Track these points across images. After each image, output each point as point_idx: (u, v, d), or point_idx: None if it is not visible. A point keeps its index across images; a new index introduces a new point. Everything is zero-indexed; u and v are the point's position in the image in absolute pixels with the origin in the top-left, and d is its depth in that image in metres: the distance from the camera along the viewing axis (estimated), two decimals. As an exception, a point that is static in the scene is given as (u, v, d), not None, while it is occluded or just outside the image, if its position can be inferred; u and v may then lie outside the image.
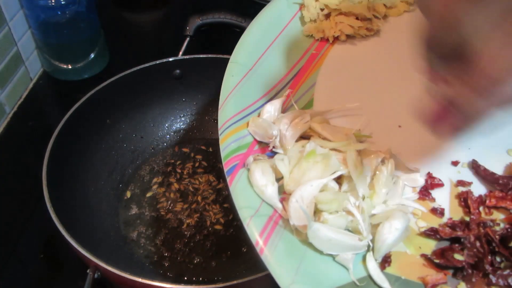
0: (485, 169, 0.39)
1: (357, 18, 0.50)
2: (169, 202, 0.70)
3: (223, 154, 0.38)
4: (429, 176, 0.39)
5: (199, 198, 0.70)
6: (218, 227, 0.67)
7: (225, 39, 0.92)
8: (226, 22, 0.84)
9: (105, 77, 0.72)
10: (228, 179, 0.36)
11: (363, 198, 0.35)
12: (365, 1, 0.50)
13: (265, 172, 0.36)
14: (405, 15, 0.52)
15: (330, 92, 0.45)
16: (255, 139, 0.40)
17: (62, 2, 0.77)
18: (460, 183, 0.39)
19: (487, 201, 0.37)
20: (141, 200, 0.70)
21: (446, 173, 0.40)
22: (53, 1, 0.76)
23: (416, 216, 0.37)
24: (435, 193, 0.39)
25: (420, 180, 0.38)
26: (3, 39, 0.77)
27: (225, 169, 0.37)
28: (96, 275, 0.53)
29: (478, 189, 0.39)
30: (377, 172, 0.36)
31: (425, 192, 0.38)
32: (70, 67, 0.86)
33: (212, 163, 0.75)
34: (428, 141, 0.40)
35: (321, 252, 0.34)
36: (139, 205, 0.69)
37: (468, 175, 0.40)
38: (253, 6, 1.06)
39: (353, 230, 0.35)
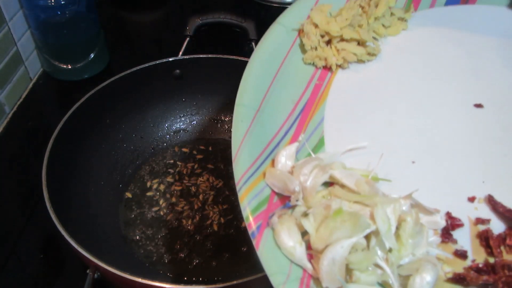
0: (502, 206, 0.39)
1: (358, 43, 0.49)
2: (169, 202, 0.70)
3: (245, 214, 0.36)
4: (449, 216, 0.39)
5: (199, 198, 0.70)
6: (218, 227, 0.67)
7: (225, 39, 0.93)
8: (226, 22, 0.84)
9: (105, 77, 0.72)
10: (254, 242, 0.35)
11: (390, 250, 0.35)
12: (365, 25, 0.49)
13: (291, 231, 0.36)
14: (402, 33, 0.52)
15: (339, 127, 0.45)
16: (273, 190, 0.39)
17: (62, 2, 0.77)
18: (479, 221, 0.39)
19: (508, 240, 0.37)
20: (141, 200, 0.70)
21: (463, 211, 0.39)
22: (53, 1, 0.76)
23: (441, 261, 0.37)
24: (456, 233, 0.38)
25: (441, 222, 0.38)
26: (3, 39, 0.77)
27: (250, 231, 0.36)
28: (96, 275, 0.53)
29: (497, 225, 0.38)
30: (403, 223, 0.36)
31: (446, 235, 0.38)
32: (70, 67, 0.86)
33: (212, 163, 0.75)
34: (442, 176, 0.41)
35: None
36: (139, 205, 0.69)
37: (485, 211, 0.39)
38: (253, 6, 1.06)
39: (384, 284, 0.35)
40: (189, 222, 0.67)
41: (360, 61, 0.49)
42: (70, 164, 0.65)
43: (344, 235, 0.34)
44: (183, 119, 0.80)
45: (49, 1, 0.76)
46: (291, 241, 0.35)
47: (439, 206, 0.39)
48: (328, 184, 0.39)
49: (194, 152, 0.77)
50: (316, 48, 0.48)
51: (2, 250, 0.64)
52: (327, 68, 0.48)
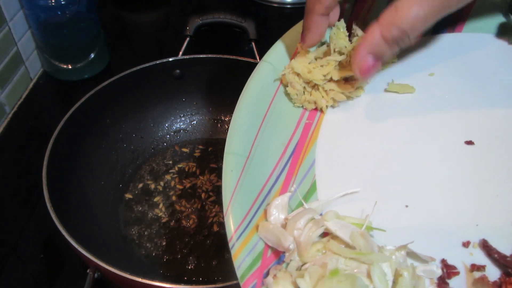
0: (497, 252, 0.38)
1: (345, 79, 0.47)
2: (169, 202, 0.70)
3: (239, 273, 0.36)
4: (444, 264, 0.38)
5: (199, 198, 0.70)
6: (218, 227, 0.67)
7: (225, 39, 0.93)
8: (226, 22, 0.84)
9: (105, 77, 0.72)
10: None
11: None
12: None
13: None
14: (391, 66, 0.50)
15: (331, 170, 0.43)
16: (266, 244, 0.38)
17: (62, 2, 0.77)
18: (474, 267, 0.38)
19: (503, 287, 0.37)
20: (141, 200, 0.70)
21: (458, 256, 0.38)
22: (53, 1, 0.76)
23: None
24: (452, 282, 0.38)
25: (437, 271, 0.38)
26: (3, 39, 0.77)
27: None
28: (96, 275, 0.53)
29: (493, 271, 0.38)
30: (400, 278, 0.36)
31: (443, 284, 0.37)
32: (70, 67, 0.86)
33: (212, 163, 0.75)
34: (436, 220, 0.40)
35: None
36: (139, 205, 0.70)
37: (480, 257, 0.39)
38: (253, 6, 1.06)
39: None
40: (189, 222, 0.67)
41: (349, 98, 0.47)
42: (70, 164, 0.65)
43: None
44: (183, 119, 0.80)
45: (50, 1, 0.76)
46: None
47: (434, 251, 0.38)
48: (323, 233, 0.38)
49: (194, 152, 0.77)
50: (304, 93, 0.47)
51: (2, 250, 0.64)
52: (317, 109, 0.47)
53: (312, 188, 0.42)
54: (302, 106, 0.47)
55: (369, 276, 0.35)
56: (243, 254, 0.36)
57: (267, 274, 0.36)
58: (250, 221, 0.38)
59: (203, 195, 0.71)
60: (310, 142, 0.45)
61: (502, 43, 0.51)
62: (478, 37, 0.52)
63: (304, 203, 0.40)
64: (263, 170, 0.42)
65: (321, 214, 0.40)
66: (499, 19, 0.52)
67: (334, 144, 0.45)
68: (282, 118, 0.46)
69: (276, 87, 0.47)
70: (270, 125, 0.45)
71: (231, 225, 0.37)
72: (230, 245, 0.36)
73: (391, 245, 0.37)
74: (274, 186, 0.41)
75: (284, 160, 0.43)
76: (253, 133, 0.43)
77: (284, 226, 0.38)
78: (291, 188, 0.42)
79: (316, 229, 0.37)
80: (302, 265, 0.37)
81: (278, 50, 0.48)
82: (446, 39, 0.52)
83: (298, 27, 0.50)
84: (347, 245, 0.37)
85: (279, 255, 0.38)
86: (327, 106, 0.46)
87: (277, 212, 0.39)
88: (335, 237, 0.38)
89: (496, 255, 0.38)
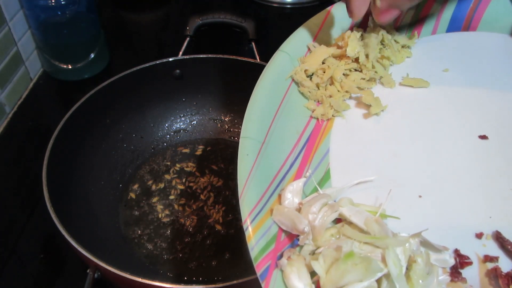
0: (510, 243, 0.38)
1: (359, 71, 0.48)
2: (169, 202, 0.70)
3: (253, 255, 0.36)
4: (458, 254, 0.38)
5: (199, 198, 0.70)
6: (218, 227, 0.67)
7: (225, 39, 0.93)
8: (226, 22, 0.84)
9: (105, 77, 0.72)
10: (263, 285, 0.35)
11: None
12: (370, 62, 0.48)
13: (301, 274, 0.35)
14: (406, 61, 0.51)
15: (345, 158, 0.44)
16: (280, 228, 0.38)
17: (62, 2, 0.77)
18: (487, 258, 0.38)
19: None
20: (141, 200, 0.70)
21: (472, 248, 0.39)
22: (53, 1, 0.76)
23: None
24: (465, 272, 0.38)
25: (450, 260, 0.38)
26: (3, 39, 0.77)
27: (258, 273, 0.35)
28: (96, 275, 0.53)
29: (506, 263, 0.38)
30: (413, 264, 0.36)
31: (456, 273, 0.37)
32: (70, 67, 0.86)
33: (212, 163, 0.75)
34: (449, 211, 0.40)
35: None
36: (139, 205, 0.70)
37: (493, 248, 0.39)
38: (253, 6, 1.06)
39: None
40: (189, 222, 0.67)
41: (362, 90, 0.48)
42: (70, 164, 0.65)
43: (355, 278, 0.34)
44: (183, 119, 0.80)
45: (50, 1, 0.76)
46: (301, 284, 0.35)
47: (447, 242, 0.38)
48: (336, 220, 0.39)
49: (194, 152, 0.77)
50: (318, 88, 0.47)
51: (2, 250, 0.64)
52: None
53: (326, 176, 0.43)
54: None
55: (383, 260, 0.35)
56: (257, 236, 0.36)
57: (281, 256, 0.36)
58: (264, 205, 0.38)
59: (203, 195, 0.71)
60: (325, 131, 0.46)
61: None
62: (492, 36, 0.52)
63: (319, 189, 0.41)
64: (278, 156, 0.42)
65: (335, 201, 0.40)
66: None
67: (348, 133, 0.46)
68: (297, 107, 0.47)
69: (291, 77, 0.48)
70: (285, 113, 0.45)
71: (245, 208, 0.37)
72: (244, 227, 0.36)
73: (405, 233, 0.37)
74: (288, 172, 0.42)
75: (299, 147, 0.44)
76: (268, 119, 0.44)
77: (298, 210, 0.38)
78: (306, 174, 0.42)
79: (331, 213, 0.37)
80: (315, 250, 0.37)
81: (295, 40, 0.49)
82: (461, 37, 0.53)
83: (315, 19, 0.51)
84: (362, 231, 0.37)
85: (292, 239, 0.38)
86: (338, 112, 0.47)
87: (292, 196, 0.39)
88: (349, 223, 0.38)
89: (509, 247, 0.38)
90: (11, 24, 0.79)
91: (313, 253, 0.37)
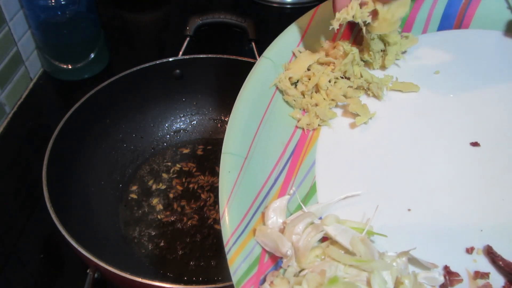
0: (502, 259, 0.37)
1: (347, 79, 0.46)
2: (169, 202, 0.70)
3: (234, 279, 0.34)
4: (447, 271, 0.37)
5: (199, 198, 0.70)
6: (218, 227, 0.67)
7: (225, 39, 0.93)
8: (226, 22, 0.84)
9: (105, 77, 0.72)
10: None
11: None
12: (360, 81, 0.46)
13: None
14: (393, 67, 0.49)
15: (332, 171, 0.42)
16: (263, 249, 0.37)
17: (62, 2, 0.77)
18: (478, 274, 0.37)
19: None
20: (141, 200, 0.70)
21: (462, 263, 0.37)
22: (53, 1, 0.76)
23: None
24: None
25: (439, 278, 0.36)
26: (3, 39, 0.77)
27: None
28: (96, 275, 0.53)
29: (497, 279, 0.37)
30: (400, 286, 0.35)
31: None
32: (70, 67, 0.86)
33: (212, 163, 0.75)
34: (439, 224, 0.39)
35: None
36: (139, 205, 0.70)
37: (484, 264, 0.37)
38: (253, 6, 1.06)
39: None
40: (189, 222, 0.67)
41: (349, 99, 0.46)
42: (70, 164, 0.65)
43: None
44: (183, 119, 0.80)
45: (50, 1, 0.76)
46: None
47: (437, 257, 0.37)
48: (322, 238, 0.37)
49: (194, 152, 0.77)
50: (303, 96, 0.45)
51: (2, 250, 0.64)
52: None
53: (312, 190, 0.41)
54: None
55: (369, 284, 0.34)
56: (239, 259, 0.35)
57: (264, 280, 0.35)
58: (247, 225, 0.37)
59: (203, 195, 0.71)
60: (310, 142, 0.44)
61: (510, 40, 0.50)
62: (485, 34, 0.50)
63: (303, 207, 0.39)
64: (262, 171, 0.41)
65: (320, 218, 0.38)
66: (507, 15, 0.50)
67: (335, 144, 0.44)
68: (282, 117, 0.45)
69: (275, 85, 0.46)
70: (270, 124, 0.43)
71: (228, 229, 0.36)
72: (226, 249, 0.35)
73: (393, 250, 0.36)
74: (272, 188, 0.40)
75: (283, 160, 0.42)
76: (251, 132, 0.42)
77: (282, 230, 0.37)
78: (290, 191, 0.40)
79: (315, 234, 0.36)
80: (300, 271, 0.36)
81: (278, 46, 0.47)
82: (453, 36, 0.50)
83: (298, 23, 0.49)
84: (347, 251, 0.36)
85: (276, 260, 0.37)
86: (324, 120, 0.45)
87: (275, 215, 0.38)
88: (334, 242, 0.37)
89: (500, 262, 0.37)
90: (11, 24, 0.79)
91: (297, 275, 0.36)
